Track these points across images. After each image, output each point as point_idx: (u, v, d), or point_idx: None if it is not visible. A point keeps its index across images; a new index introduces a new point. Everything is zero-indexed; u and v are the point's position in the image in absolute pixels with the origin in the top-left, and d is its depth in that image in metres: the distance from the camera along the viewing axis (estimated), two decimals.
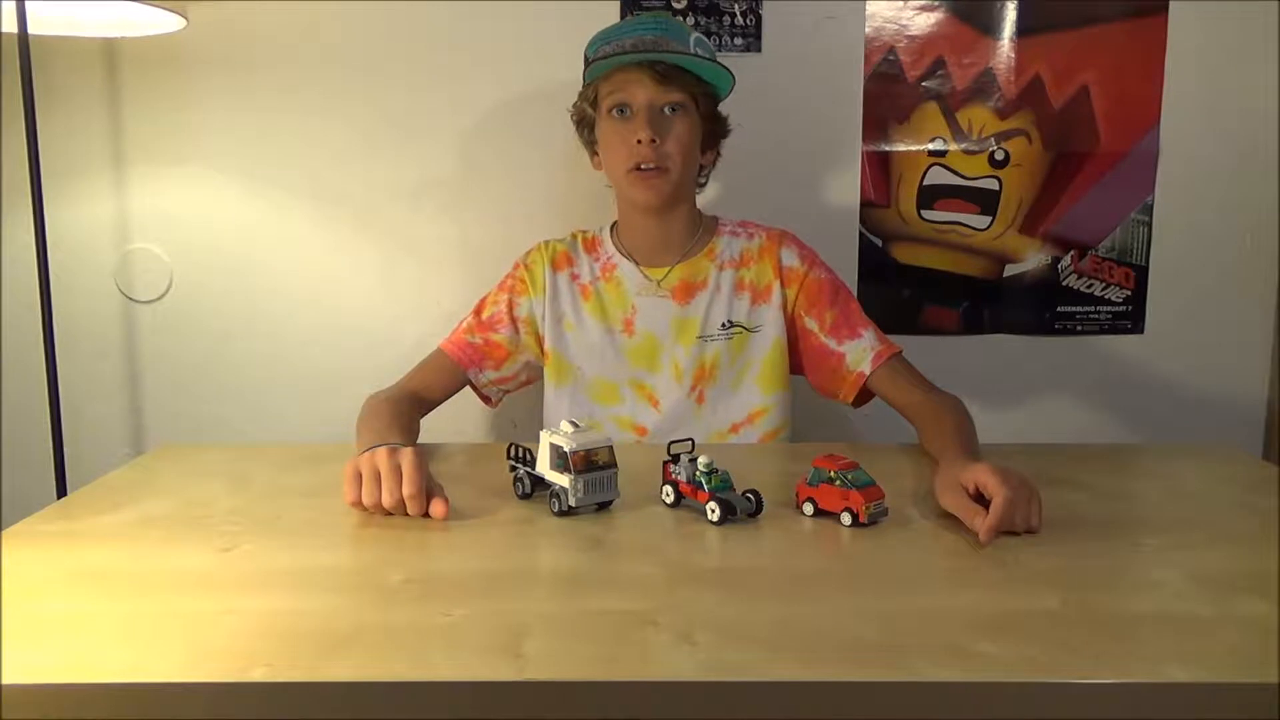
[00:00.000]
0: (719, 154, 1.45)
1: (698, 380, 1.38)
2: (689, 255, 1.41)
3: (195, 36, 1.66)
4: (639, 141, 1.30)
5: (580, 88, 1.42)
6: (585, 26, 1.70)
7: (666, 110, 1.32)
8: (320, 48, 1.71)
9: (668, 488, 1.00)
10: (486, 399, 1.45)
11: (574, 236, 1.47)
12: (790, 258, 1.41)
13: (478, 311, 1.45)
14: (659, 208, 1.37)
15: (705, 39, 1.39)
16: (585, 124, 1.42)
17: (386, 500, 0.97)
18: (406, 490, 0.97)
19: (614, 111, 1.34)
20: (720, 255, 1.41)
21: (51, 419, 1.59)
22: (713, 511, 0.94)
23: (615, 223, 1.46)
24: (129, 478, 1.14)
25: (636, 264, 1.41)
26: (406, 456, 1.00)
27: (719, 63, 1.36)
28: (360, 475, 0.99)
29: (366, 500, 0.98)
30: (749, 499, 0.96)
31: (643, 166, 1.32)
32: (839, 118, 1.73)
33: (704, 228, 1.44)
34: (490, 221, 1.75)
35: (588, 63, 1.39)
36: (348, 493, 0.99)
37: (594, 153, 1.43)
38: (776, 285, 1.39)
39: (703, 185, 1.46)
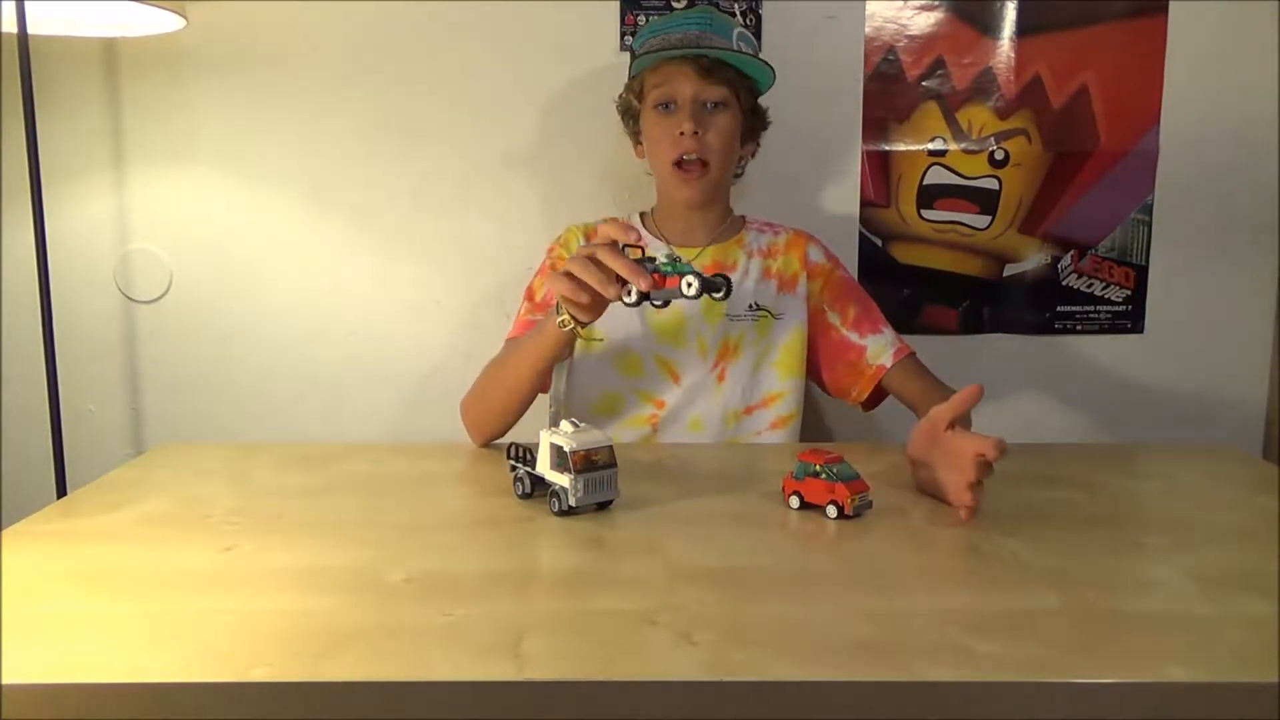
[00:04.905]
0: (758, 145, 1.50)
1: (721, 357, 1.40)
2: (719, 240, 1.46)
3: (195, 36, 1.66)
4: (681, 134, 1.35)
5: (617, 82, 1.48)
6: (585, 27, 1.71)
7: (709, 105, 1.37)
8: (320, 48, 1.71)
9: (629, 287, 1.01)
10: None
11: (605, 220, 1.51)
12: (817, 254, 1.47)
13: (529, 298, 1.46)
14: (699, 203, 1.42)
15: (749, 33, 1.44)
16: (630, 115, 1.48)
17: (610, 261, 1.03)
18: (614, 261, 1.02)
19: (659, 106, 1.38)
20: (749, 245, 1.46)
21: (51, 419, 1.59)
22: (689, 285, 0.96)
23: (643, 212, 1.51)
24: (129, 477, 1.14)
25: (669, 244, 1.45)
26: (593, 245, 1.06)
27: (761, 58, 1.39)
28: (577, 288, 1.06)
29: (596, 279, 1.04)
30: (719, 280, 0.98)
31: (685, 158, 1.36)
32: (839, 118, 1.73)
33: (732, 221, 1.49)
34: (490, 221, 1.75)
35: (633, 55, 1.43)
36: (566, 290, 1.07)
37: (637, 142, 1.49)
38: (803, 278, 1.44)
39: (739, 175, 1.52)
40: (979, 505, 0.96)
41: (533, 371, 1.26)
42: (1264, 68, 1.70)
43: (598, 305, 1.11)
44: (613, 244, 1.04)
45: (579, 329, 1.15)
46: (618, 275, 1.04)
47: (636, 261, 1.03)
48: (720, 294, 0.99)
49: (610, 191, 1.73)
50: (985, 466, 0.95)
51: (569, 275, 1.07)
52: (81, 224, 1.75)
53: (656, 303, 1.06)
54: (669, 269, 1.00)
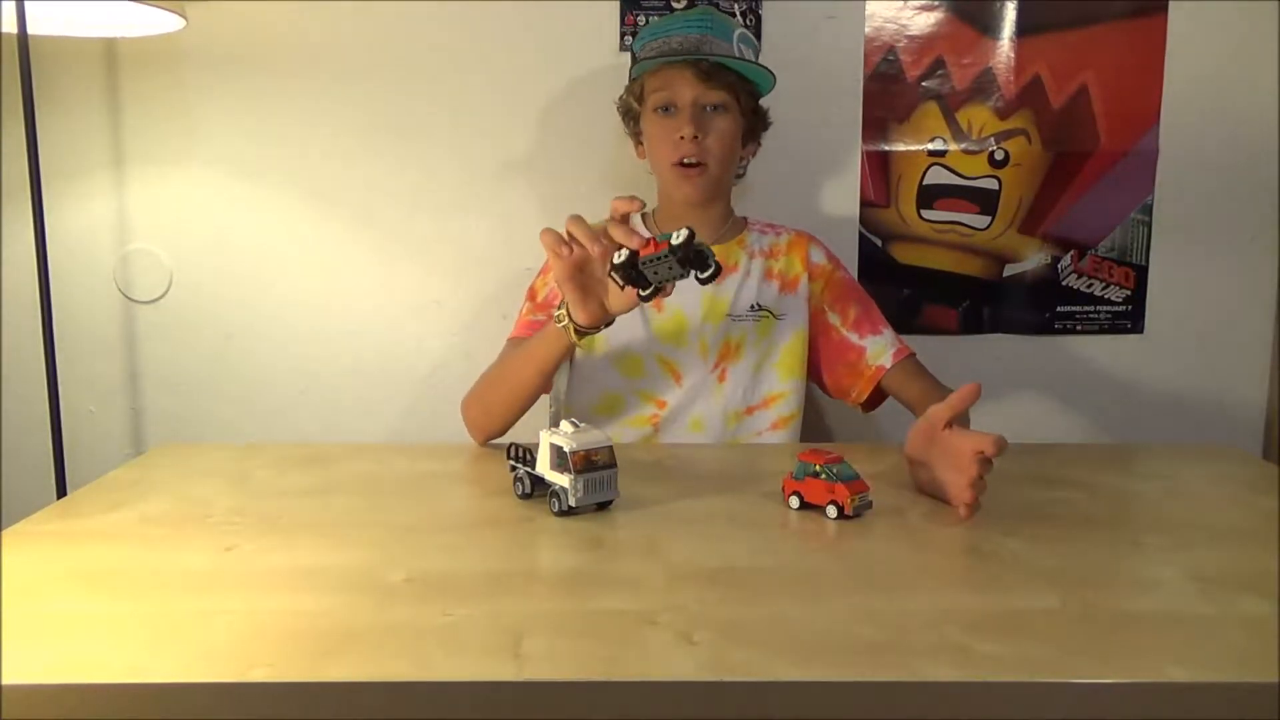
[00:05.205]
0: (759, 144, 1.50)
1: (722, 358, 1.40)
2: (721, 241, 1.45)
3: (195, 36, 1.66)
4: (682, 138, 1.35)
5: (614, 83, 1.50)
6: (585, 26, 1.71)
7: (709, 109, 1.37)
8: (320, 47, 1.71)
9: (623, 251, 1.02)
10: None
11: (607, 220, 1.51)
12: (818, 255, 1.47)
13: (531, 297, 1.47)
14: (699, 202, 1.42)
15: (750, 34, 1.44)
16: (631, 116, 1.48)
17: (611, 229, 1.04)
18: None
19: (659, 109, 1.39)
20: (751, 246, 1.46)
21: (51, 419, 1.59)
22: (678, 235, 0.97)
23: (645, 213, 1.51)
24: (129, 478, 1.14)
25: None
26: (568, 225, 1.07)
27: (761, 64, 1.40)
28: (562, 241, 1.06)
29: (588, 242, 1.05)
30: (708, 252, 0.99)
31: (685, 161, 1.36)
32: (839, 118, 1.73)
33: (734, 222, 1.49)
34: (490, 221, 1.75)
35: (634, 58, 1.43)
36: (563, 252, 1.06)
37: (638, 143, 1.49)
38: (804, 279, 1.44)
39: (741, 175, 1.53)
40: (979, 504, 0.96)
41: (535, 374, 1.26)
42: (1264, 68, 1.70)
43: (588, 280, 1.10)
44: (623, 218, 1.05)
45: (575, 336, 1.15)
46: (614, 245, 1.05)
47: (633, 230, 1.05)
48: (706, 274, 0.99)
49: (610, 192, 1.73)
50: (985, 464, 0.95)
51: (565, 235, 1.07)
52: (81, 224, 1.75)
53: (643, 291, 1.04)
54: (662, 238, 1.01)
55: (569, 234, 1.07)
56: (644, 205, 1.06)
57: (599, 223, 1.49)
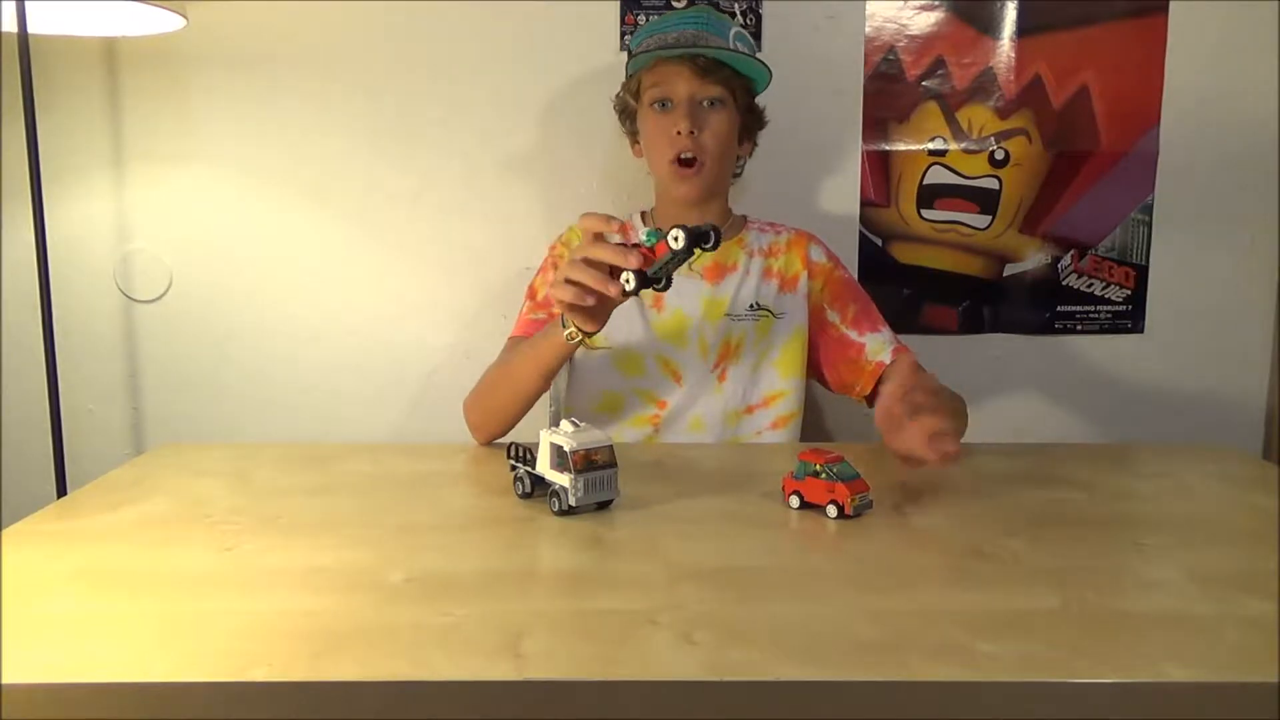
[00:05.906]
0: (755, 144, 1.50)
1: (722, 357, 1.41)
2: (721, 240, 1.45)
3: (195, 36, 1.66)
4: (678, 133, 1.35)
5: (605, 82, 1.52)
6: (585, 27, 1.71)
7: (705, 104, 1.37)
8: (320, 47, 1.71)
9: (626, 276, 1.01)
10: None
11: (583, 215, 1.50)
12: (818, 254, 1.47)
13: (531, 296, 1.47)
14: (697, 200, 1.42)
15: (745, 33, 1.44)
16: (627, 114, 1.48)
17: (598, 253, 1.02)
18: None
19: (655, 105, 1.39)
20: (750, 245, 1.46)
21: (51, 419, 1.59)
22: (676, 240, 0.97)
23: (644, 212, 1.52)
24: (129, 477, 1.13)
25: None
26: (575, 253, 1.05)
27: (758, 58, 1.40)
28: (572, 279, 1.04)
29: (594, 283, 1.02)
30: (707, 228, 0.99)
31: (682, 157, 1.37)
32: (839, 118, 1.73)
33: (734, 221, 1.49)
34: (490, 222, 1.76)
35: (631, 55, 1.43)
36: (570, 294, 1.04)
37: (635, 141, 1.49)
38: (804, 277, 1.45)
39: (738, 175, 1.53)
40: (954, 455, 0.97)
41: (537, 376, 1.26)
42: (1264, 68, 1.71)
43: (602, 308, 1.10)
44: (597, 236, 1.04)
45: (586, 340, 1.15)
46: (611, 268, 1.03)
47: (621, 245, 1.04)
48: (709, 244, 1.00)
49: (610, 191, 1.73)
50: (914, 408, 0.99)
51: (569, 282, 1.05)
52: (81, 224, 1.75)
53: (658, 286, 1.04)
54: (652, 239, 1.01)
55: (571, 281, 1.05)
56: (620, 225, 1.04)
57: (577, 232, 1.46)
